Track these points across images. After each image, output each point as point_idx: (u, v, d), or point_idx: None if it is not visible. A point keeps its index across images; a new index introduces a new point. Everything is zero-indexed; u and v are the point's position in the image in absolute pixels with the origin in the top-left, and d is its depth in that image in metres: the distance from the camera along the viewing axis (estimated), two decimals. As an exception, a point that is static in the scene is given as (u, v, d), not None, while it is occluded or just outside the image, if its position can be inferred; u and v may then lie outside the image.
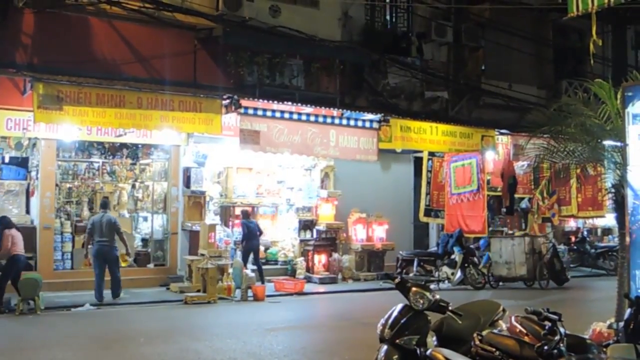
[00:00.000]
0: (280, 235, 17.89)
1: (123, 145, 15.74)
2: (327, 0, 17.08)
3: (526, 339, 5.62)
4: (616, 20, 20.50)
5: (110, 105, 13.52)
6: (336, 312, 13.54)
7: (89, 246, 13.72)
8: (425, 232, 20.26)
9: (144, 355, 9.15)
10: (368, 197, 18.19)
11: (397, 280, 5.96)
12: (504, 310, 6.58)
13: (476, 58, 20.26)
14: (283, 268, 17.23)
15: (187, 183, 16.05)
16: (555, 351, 5.04)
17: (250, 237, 15.72)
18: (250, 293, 14.10)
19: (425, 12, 19.45)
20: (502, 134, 19.27)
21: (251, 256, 15.73)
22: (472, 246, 17.28)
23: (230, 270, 14.52)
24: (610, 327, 7.93)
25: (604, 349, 5.61)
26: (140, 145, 15.87)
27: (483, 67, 20.44)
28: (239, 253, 16.10)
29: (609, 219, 20.05)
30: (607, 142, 8.98)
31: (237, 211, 16.89)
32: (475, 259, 16.70)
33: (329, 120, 16.18)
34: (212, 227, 14.96)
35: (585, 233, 22.46)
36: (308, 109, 15.93)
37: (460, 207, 18.27)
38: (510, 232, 19.79)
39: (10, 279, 12.17)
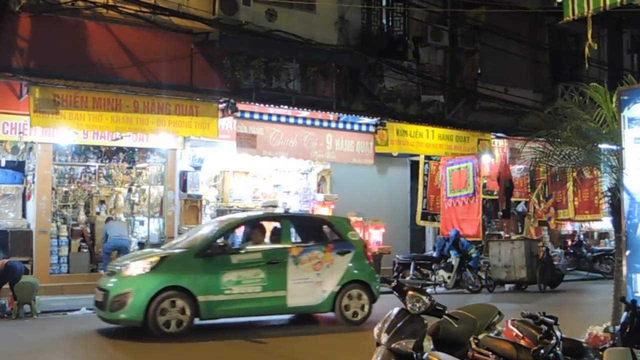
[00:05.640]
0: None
1: (119, 149, 15.74)
2: (323, 4, 17.10)
3: (522, 342, 5.62)
4: (612, 24, 20.57)
5: (107, 109, 13.48)
6: (332, 316, 13.48)
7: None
8: (422, 236, 20.26)
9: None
10: (364, 201, 18.17)
11: (393, 284, 5.96)
12: (500, 314, 6.58)
13: (472, 62, 20.29)
14: (280, 272, 17.17)
15: (183, 187, 16.04)
16: (552, 355, 5.04)
17: None
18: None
19: (422, 16, 19.46)
20: (498, 137, 19.28)
21: None
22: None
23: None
24: (606, 330, 7.92)
25: (600, 353, 5.61)
26: (136, 149, 15.88)
27: (479, 71, 20.47)
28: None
29: (605, 223, 20.08)
30: (603, 146, 9.00)
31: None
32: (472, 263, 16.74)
33: (325, 124, 16.17)
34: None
35: (581, 237, 22.47)
36: (304, 113, 15.92)
37: (455, 211, 18.30)
38: (507, 235, 19.81)
39: (9, 285, 12.08)
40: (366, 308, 11.49)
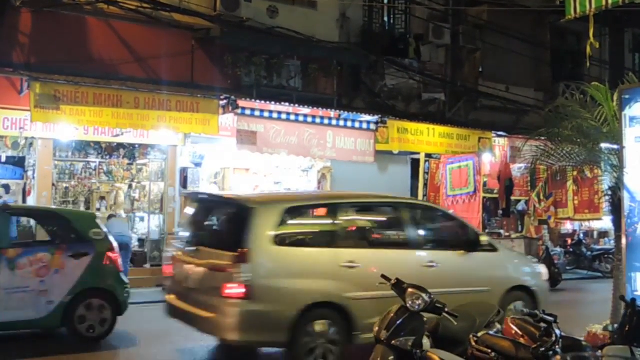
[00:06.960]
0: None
1: (120, 145, 15.72)
2: (325, 1, 17.09)
3: (522, 340, 5.62)
4: (614, 22, 20.54)
5: (108, 105, 13.51)
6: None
7: None
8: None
9: (140, 355, 9.16)
10: (365, 199, 18.13)
11: (393, 282, 5.96)
12: (499, 312, 6.59)
13: (473, 60, 20.28)
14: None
15: (184, 183, 16.04)
16: (551, 353, 5.04)
17: None
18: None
19: (423, 14, 19.45)
20: (499, 136, 19.27)
21: None
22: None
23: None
24: (605, 329, 7.96)
25: (600, 351, 5.62)
26: (137, 146, 15.86)
27: (480, 69, 20.45)
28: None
29: (605, 222, 20.07)
30: (604, 145, 9.01)
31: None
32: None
33: (326, 121, 16.17)
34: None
35: (581, 236, 22.45)
36: (305, 110, 15.92)
37: (455, 209, 18.26)
38: (507, 234, 19.80)
39: None
40: (107, 322, 9.71)
